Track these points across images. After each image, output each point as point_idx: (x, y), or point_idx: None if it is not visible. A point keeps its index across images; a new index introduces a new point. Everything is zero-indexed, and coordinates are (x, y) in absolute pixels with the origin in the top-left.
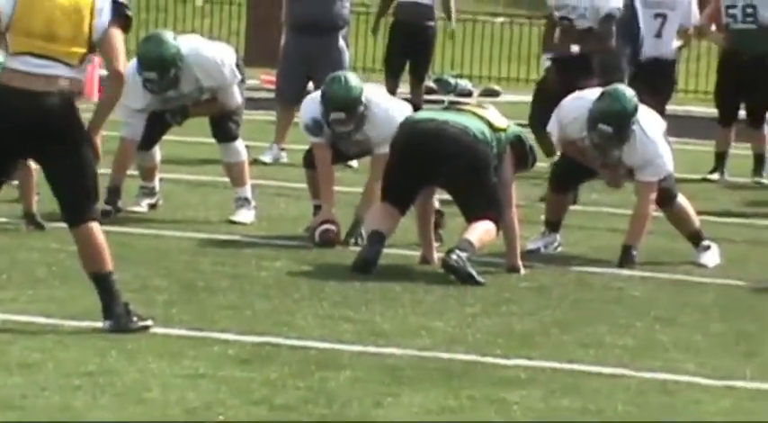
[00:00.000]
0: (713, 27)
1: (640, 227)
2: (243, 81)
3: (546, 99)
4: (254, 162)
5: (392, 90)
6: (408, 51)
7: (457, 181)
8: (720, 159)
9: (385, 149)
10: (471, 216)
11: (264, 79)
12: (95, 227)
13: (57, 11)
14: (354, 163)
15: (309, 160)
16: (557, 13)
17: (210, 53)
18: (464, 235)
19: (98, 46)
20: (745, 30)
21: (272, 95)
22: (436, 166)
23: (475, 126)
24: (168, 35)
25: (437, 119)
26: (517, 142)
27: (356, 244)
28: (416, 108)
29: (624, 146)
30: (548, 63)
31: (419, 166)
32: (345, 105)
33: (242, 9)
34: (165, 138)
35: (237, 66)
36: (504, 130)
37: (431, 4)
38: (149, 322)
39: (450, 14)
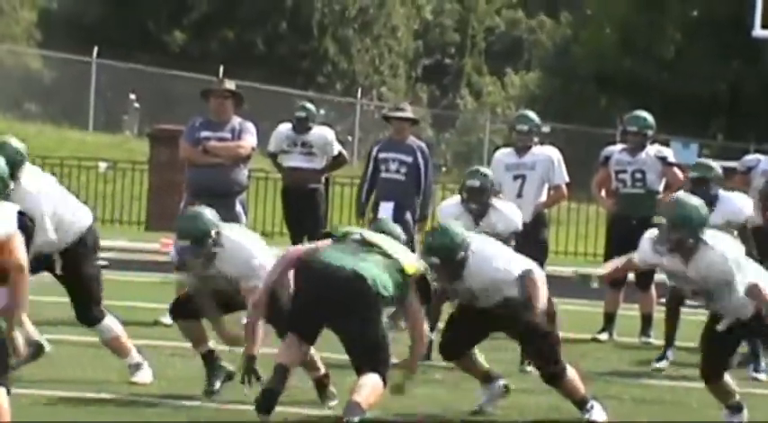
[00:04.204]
0: (603, 192)
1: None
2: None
3: None
4: (155, 323)
5: None
6: (299, 214)
7: (344, 329)
8: (609, 320)
9: (251, 283)
10: (358, 367)
11: (164, 243)
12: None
13: None
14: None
15: (176, 311)
16: None
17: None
18: (352, 396)
19: None
20: (633, 194)
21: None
22: (326, 311)
23: (374, 273)
24: None
25: (332, 264)
26: (422, 280)
27: (250, 382)
28: None
29: (461, 278)
30: None
31: (314, 308)
32: (190, 235)
33: (144, 175)
34: (61, 300)
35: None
36: (414, 273)
37: (317, 168)
38: None
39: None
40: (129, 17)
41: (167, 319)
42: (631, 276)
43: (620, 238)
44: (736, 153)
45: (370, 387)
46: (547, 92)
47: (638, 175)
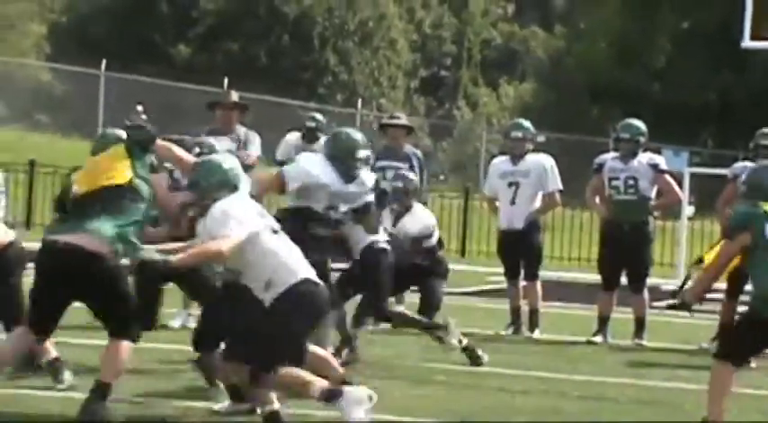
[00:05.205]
0: (597, 199)
1: None
2: None
3: None
4: (163, 327)
5: None
6: None
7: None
8: (603, 323)
9: None
10: (110, 331)
11: None
12: None
13: None
14: None
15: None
16: None
17: None
18: (101, 377)
19: None
20: (626, 200)
21: None
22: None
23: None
24: None
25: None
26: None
27: None
28: None
29: None
30: None
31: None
32: None
33: None
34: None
35: None
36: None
37: None
38: None
39: None
40: (136, 31)
41: (176, 323)
42: (624, 280)
43: (613, 243)
44: (727, 161)
45: (117, 359)
46: (541, 102)
47: (631, 182)
